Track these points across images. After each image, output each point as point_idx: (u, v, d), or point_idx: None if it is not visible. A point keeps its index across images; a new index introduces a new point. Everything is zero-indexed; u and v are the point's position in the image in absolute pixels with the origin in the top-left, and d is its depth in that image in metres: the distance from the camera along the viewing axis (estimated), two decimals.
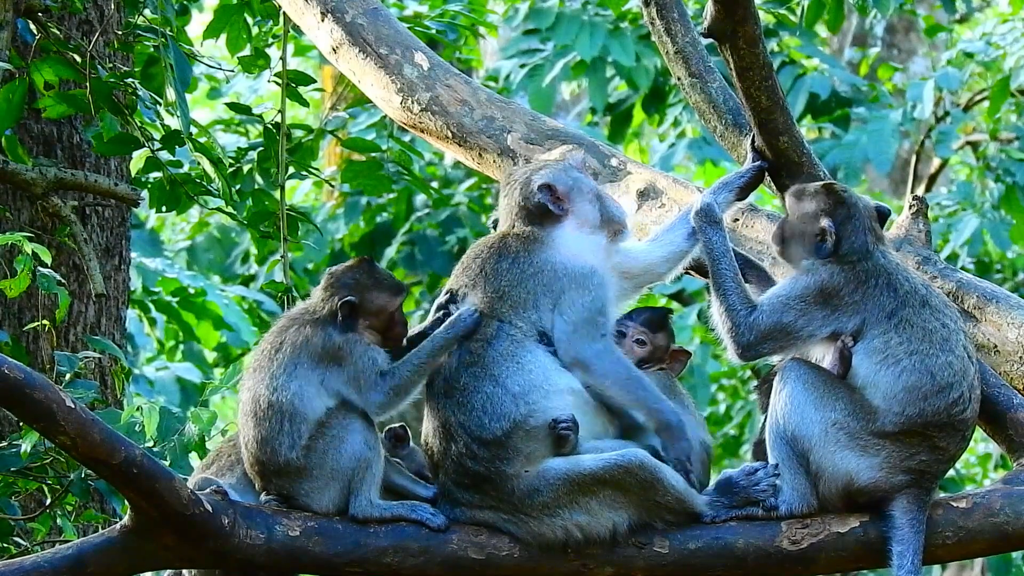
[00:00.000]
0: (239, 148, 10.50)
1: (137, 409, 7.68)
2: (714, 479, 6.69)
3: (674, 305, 16.41)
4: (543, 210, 6.79)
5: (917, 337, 6.55)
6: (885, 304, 6.59)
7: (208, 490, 6.45)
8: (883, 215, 6.86)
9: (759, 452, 6.78)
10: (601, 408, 6.58)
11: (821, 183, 6.81)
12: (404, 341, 6.65)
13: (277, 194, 9.56)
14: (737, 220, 7.38)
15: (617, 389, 6.55)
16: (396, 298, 6.67)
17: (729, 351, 6.70)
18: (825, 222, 6.68)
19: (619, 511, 6.45)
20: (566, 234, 6.75)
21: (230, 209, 9.29)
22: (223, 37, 9.80)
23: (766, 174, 7.11)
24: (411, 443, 6.99)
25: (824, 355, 6.68)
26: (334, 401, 6.51)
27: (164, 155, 9.08)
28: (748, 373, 17.22)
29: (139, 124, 8.99)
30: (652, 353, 6.89)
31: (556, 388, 6.48)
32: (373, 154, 12.34)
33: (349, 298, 6.58)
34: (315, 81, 9.84)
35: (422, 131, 8.10)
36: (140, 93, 8.96)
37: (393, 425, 6.99)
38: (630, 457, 6.44)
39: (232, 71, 10.70)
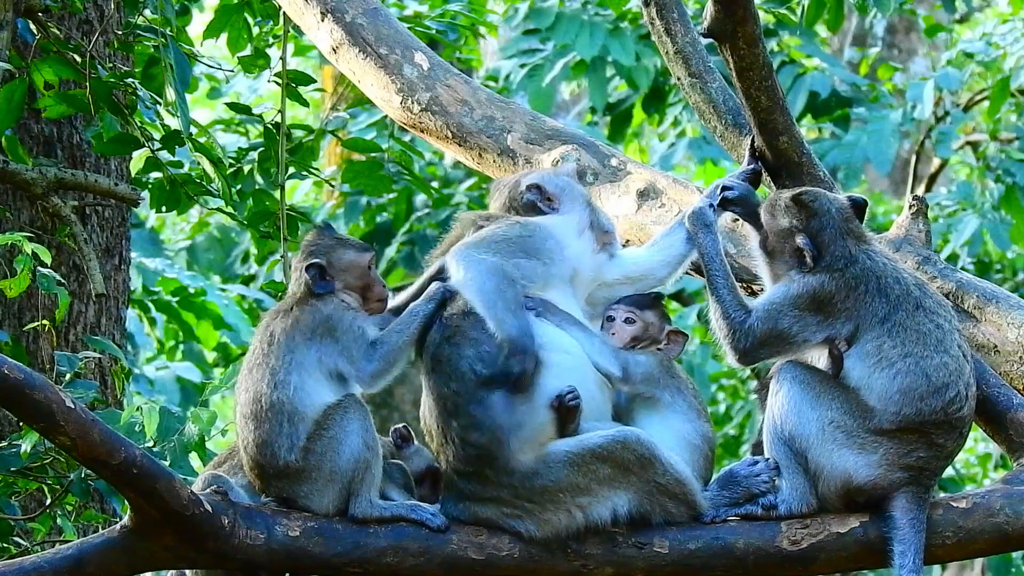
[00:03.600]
0: (239, 148, 10.50)
1: (137, 409, 7.68)
2: (716, 475, 6.68)
3: (674, 305, 16.42)
4: (531, 208, 6.84)
5: (911, 340, 6.55)
6: (878, 309, 6.59)
7: (208, 490, 6.45)
8: (859, 207, 6.82)
9: (758, 454, 6.78)
10: (595, 373, 6.57)
11: (791, 194, 6.78)
12: (388, 304, 6.65)
13: (277, 194, 9.56)
14: (737, 221, 7.38)
15: (475, 295, 6.52)
16: (364, 254, 6.68)
17: (728, 356, 6.71)
18: (800, 240, 6.67)
19: (619, 492, 6.45)
20: (548, 219, 6.80)
21: (230, 209, 9.29)
22: (223, 37, 9.80)
23: (765, 174, 7.11)
24: (415, 442, 6.98)
25: (819, 357, 6.69)
26: (332, 389, 6.49)
27: (164, 155, 9.09)
28: (747, 372, 17.23)
29: (139, 124, 8.99)
30: (644, 330, 6.85)
31: (545, 345, 6.46)
32: (373, 154, 12.34)
33: (314, 260, 6.60)
34: (315, 81, 9.84)
35: (422, 131, 8.10)
36: (140, 93, 8.96)
37: (397, 425, 6.99)
38: (627, 432, 6.46)
39: (232, 71, 10.70)
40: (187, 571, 6.74)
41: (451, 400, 6.49)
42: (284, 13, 9.07)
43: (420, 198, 15.61)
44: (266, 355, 6.52)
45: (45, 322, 8.79)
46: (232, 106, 10.47)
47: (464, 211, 15.33)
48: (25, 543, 8.11)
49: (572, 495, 6.43)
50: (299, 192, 17.36)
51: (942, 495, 6.68)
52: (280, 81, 9.58)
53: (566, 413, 6.45)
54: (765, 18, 14.94)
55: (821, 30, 16.77)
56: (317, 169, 11.11)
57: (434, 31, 12.15)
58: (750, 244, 6.95)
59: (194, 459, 7.68)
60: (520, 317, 6.47)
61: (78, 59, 8.91)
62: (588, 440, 6.44)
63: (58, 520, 8.03)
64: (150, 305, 13.98)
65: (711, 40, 6.85)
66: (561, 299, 6.67)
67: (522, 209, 6.87)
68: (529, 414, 6.44)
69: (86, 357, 8.06)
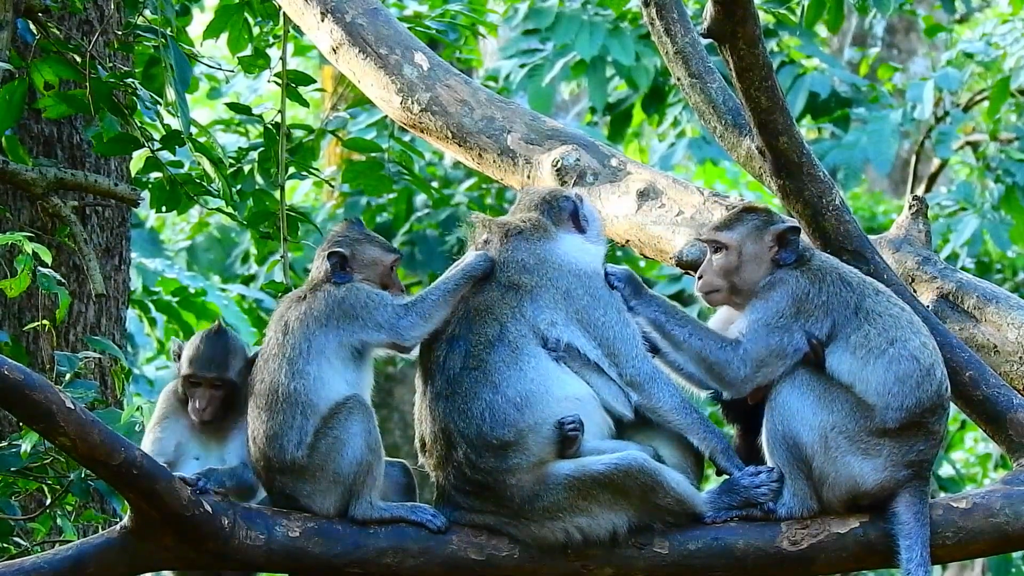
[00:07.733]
0: (239, 148, 10.49)
1: (137, 409, 7.67)
2: (718, 483, 6.67)
3: None
4: (563, 212, 6.73)
5: (890, 325, 6.53)
6: (848, 299, 6.57)
7: (210, 491, 6.46)
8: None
9: (742, 455, 6.75)
10: (603, 412, 6.56)
11: (741, 206, 6.81)
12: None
13: (277, 194, 9.55)
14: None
15: (674, 414, 6.56)
16: (389, 254, 6.68)
17: (725, 390, 6.59)
18: (782, 226, 6.66)
19: (619, 513, 6.44)
20: (576, 239, 6.74)
21: (230, 209, 9.29)
22: (223, 37, 9.80)
23: (766, 175, 7.11)
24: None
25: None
26: (353, 371, 6.48)
27: (164, 155, 9.08)
28: None
29: (139, 124, 8.99)
30: None
31: (558, 396, 6.46)
32: (373, 154, 12.33)
33: (338, 249, 6.60)
34: (315, 81, 9.84)
35: (422, 131, 8.10)
36: (140, 93, 8.96)
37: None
38: (630, 460, 6.43)
39: (232, 71, 10.70)
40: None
41: (455, 435, 6.47)
42: (284, 13, 9.07)
43: (420, 198, 15.61)
44: (282, 344, 6.51)
45: (45, 322, 8.78)
46: (232, 106, 10.47)
47: (463, 211, 15.48)
48: (25, 543, 8.10)
49: (571, 515, 6.42)
50: (299, 192, 17.36)
51: (942, 495, 6.68)
52: (280, 81, 9.57)
53: (563, 440, 6.44)
54: (765, 18, 14.94)
55: (821, 30, 16.77)
56: (317, 169, 11.11)
57: (434, 31, 12.15)
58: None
59: None
60: (718, 431, 6.64)
61: (78, 59, 8.90)
62: (590, 465, 6.42)
63: (58, 520, 8.02)
64: (150, 305, 13.96)
65: (711, 40, 6.85)
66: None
67: (554, 212, 6.78)
68: (532, 446, 6.44)
69: (86, 357, 8.05)
